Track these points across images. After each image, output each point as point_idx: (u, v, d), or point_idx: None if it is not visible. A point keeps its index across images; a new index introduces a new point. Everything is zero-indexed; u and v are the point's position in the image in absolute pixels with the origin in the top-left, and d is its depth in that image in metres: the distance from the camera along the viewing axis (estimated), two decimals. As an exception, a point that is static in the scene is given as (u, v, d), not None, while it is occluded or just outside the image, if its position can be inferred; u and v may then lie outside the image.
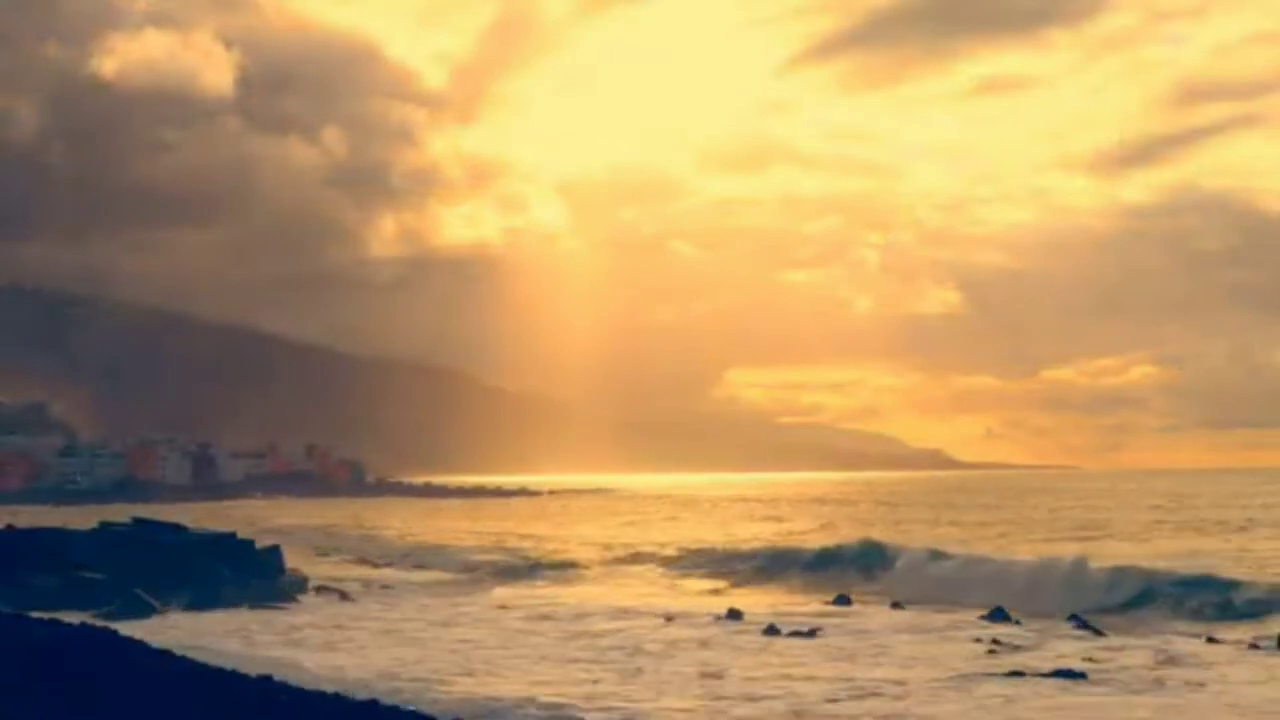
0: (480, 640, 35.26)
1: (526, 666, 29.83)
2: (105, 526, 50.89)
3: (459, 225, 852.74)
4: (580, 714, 23.39)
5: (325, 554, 72.06)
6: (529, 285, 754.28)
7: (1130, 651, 31.46)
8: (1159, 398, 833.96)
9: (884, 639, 34.51)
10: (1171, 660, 29.99)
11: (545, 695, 25.07)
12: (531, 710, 23.70)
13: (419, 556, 69.16)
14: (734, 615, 39.59)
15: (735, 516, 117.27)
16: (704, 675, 28.36)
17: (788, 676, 28.13)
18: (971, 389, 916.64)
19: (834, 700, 25.27)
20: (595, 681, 27.43)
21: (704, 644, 33.96)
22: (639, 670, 29.21)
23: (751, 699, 25.37)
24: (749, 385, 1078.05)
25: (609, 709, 24.09)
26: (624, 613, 41.65)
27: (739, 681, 27.57)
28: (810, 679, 27.76)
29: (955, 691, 25.96)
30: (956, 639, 34.24)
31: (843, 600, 45.19)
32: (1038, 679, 27.07)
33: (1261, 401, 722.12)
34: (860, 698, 25.46)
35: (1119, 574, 45.64)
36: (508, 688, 26.24)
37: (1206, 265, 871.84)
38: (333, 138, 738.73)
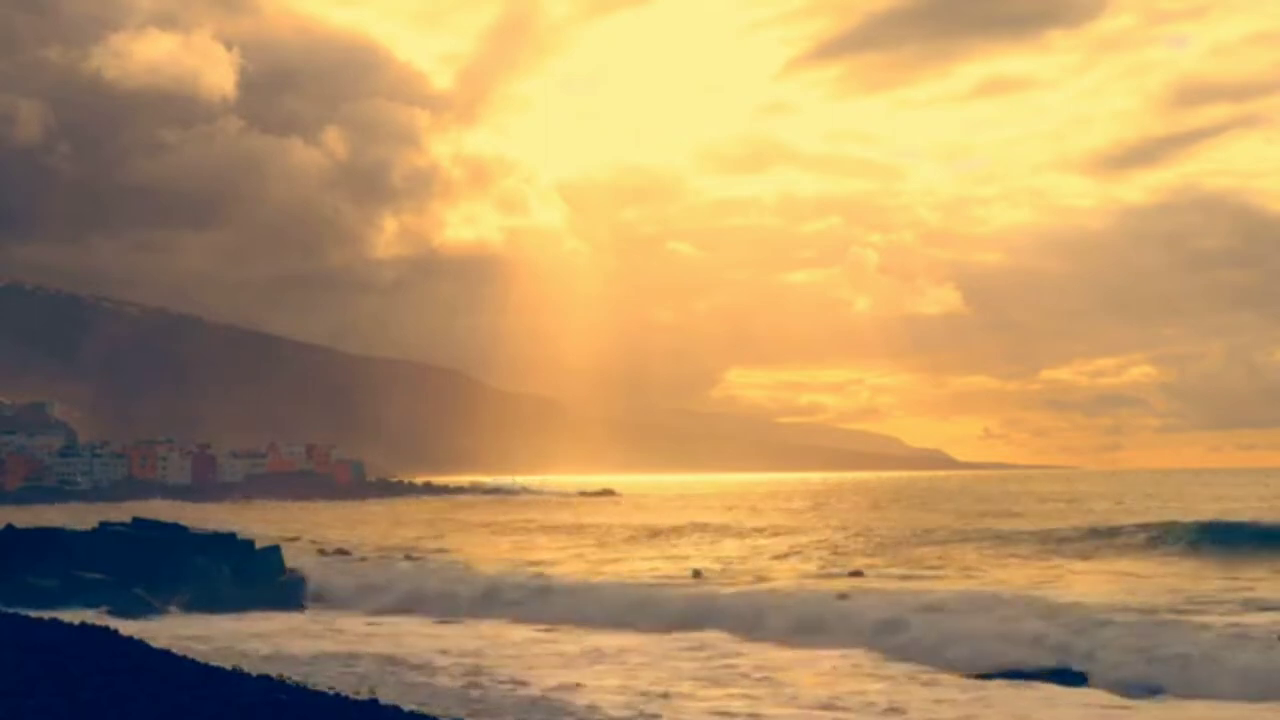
0: (496, 642, 35.26)
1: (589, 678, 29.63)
2: (105, 526, 50.90)
3: (460, 226, 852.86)
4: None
5: (325, 554, 72.01)
6: (530, 286, 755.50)
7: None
8: (1158, 398, 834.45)
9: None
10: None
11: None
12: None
13: (418, 558, 69.09)
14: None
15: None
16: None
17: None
18: (971, 389, 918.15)
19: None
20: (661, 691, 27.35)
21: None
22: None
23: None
24: (749, 385, 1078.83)
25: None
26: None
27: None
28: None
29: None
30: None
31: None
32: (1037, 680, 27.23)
33: (1260, 401, 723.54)
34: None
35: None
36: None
37: (1206, 265, 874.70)
38: (334, 138, 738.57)
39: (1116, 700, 25.31)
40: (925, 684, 27.16)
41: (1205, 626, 31.12)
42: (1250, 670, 25.92)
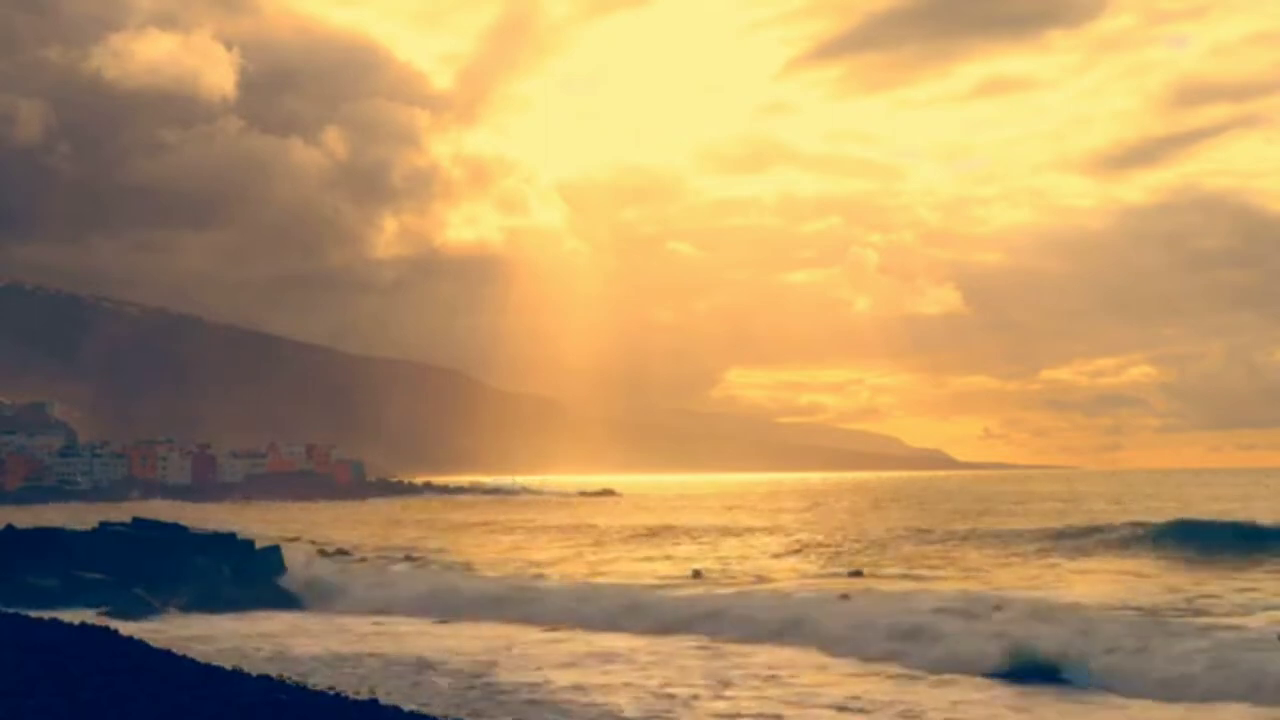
0: (500, 642, 35.25)
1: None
2: (105, 526, 50.91)
3: (460, 226, 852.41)
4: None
5: (326, 554, 72.02)
6: (530, 286, 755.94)
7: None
8: (1158, 398, 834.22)
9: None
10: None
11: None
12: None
13: (418, 558, 69.15)
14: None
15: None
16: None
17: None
18: (971, 389, 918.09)
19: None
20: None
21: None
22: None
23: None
24: (749, 385, 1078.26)
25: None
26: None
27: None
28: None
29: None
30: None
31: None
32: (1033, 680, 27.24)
33: (1260, 401, 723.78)
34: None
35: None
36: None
37: (1206, 265, 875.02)
38: (334, 138, 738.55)
39: (1116, 700, 25.32)
40: (931, 685, 27.15)
41: (1205, 626, 31.12)
42: (1250, 671, 25.91)
